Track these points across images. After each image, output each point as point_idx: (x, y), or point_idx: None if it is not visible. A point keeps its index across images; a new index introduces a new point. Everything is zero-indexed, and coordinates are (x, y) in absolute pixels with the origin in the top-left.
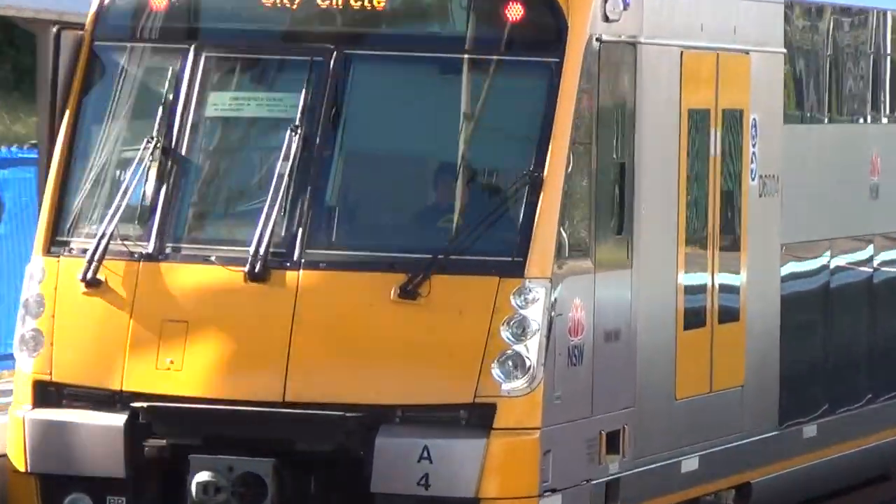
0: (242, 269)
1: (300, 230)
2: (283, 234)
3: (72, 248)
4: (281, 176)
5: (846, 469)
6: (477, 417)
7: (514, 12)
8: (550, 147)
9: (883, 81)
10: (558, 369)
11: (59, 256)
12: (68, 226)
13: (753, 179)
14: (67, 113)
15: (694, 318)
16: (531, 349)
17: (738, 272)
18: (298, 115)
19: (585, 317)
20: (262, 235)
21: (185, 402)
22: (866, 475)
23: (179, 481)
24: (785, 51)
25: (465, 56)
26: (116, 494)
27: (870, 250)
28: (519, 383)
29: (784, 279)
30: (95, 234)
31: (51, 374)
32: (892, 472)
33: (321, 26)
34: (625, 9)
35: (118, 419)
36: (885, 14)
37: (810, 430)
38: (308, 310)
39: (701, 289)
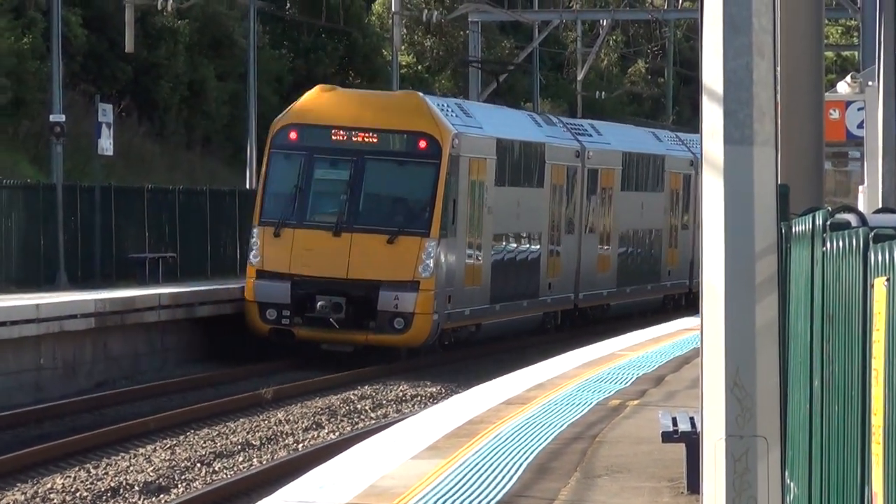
0: (331, 231)
1: (351, 217)
2: (346, 218)
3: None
4: (344, 201)
5: None
6: (413, 284)
7: (423, 143)
8: (437, 195)
9: None
10: (437, 268)
11: (263, 226)
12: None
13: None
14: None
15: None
16: (431, 261)
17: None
18: (350, 176)
19: (443, 252)
20: (339, 219)
21: (313, 277)
22: None
23: (310, 304)
24: None
25: (407, 159)
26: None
27: None
28: (428, 273)
29: None
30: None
31: (262, 266)
32: None
33: (354, 146)
34: (456, 144)
35: (286, 283)
36: None
37: None
38: (355, 247)
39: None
